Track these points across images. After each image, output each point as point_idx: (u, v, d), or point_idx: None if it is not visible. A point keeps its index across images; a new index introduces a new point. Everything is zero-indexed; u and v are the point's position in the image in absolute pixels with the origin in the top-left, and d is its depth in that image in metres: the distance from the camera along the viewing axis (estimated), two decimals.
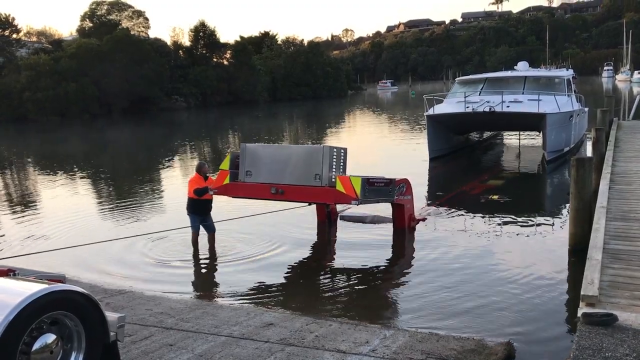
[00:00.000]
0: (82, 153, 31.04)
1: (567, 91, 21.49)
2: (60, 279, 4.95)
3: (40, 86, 59.08)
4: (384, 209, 11.32)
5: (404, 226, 10.70)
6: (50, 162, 27.19)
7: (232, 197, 10.19)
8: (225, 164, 9.89)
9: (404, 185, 10.45)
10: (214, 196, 10.06)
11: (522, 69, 25.27)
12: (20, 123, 55.82)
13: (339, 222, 11.64)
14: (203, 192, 9.75)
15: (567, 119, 19.84)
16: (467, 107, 19.36)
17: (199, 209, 9.96)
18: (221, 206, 11.26)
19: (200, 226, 10.10)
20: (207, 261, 9.71)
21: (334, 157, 9.17)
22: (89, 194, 17.77)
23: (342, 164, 9.31)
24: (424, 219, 11.38)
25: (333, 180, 9.02)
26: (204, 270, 9.38)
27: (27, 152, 33.29)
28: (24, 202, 16.46)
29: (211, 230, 10.17)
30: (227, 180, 9.75)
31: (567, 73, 24.10)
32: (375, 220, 11.55)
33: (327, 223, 11.48)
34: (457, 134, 22.48)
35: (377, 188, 9.39)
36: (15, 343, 3.73)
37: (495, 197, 13.23)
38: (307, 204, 10.27)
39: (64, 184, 19.70)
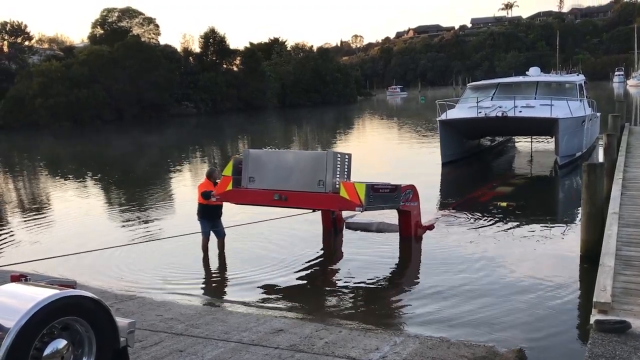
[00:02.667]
0: (94, 158, 31.23)
1: (579, 96, 21.48)
2: (71, 284, 4.97)
3: (52, 93, 59.58)
4: (391, 216, 11.22)
5: (410, 234, 10.54)
6: (61, 168, 27.37)
7: (235, 203, 10.05)
8: (228, 170, 9.73)
9: (411, 192, 10.30)
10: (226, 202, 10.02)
11: (534, 74, 25.30)
12: (33, 129, 56.28)
13: (345, 232, 11.49)
14: (209, 195, 9.71)
15: (580, 123, 19.83)
16: (480, 112, 19.42)
17: (209, 215, 9.96)
18: (230, 212, 11.25)
19: (211, 232, 10.10)
20: (217, 267, 9.72)
21: (338, 162, 8.99)
22: (100, 199, 17.87)
23: (346, 169, 9.13)
24: (431, 227, 11.17)
25: (337, 186, 8.85)
26: (213, 276, 9.38)
27: (41, 157, 33.53)
28: (35, 207, 16.57)
29: (221, 236, 10.17)
30: (229, 187, 9.60)
31: (578, 78, 24.09)
32: (382, 227, 11.38)
33: (332, 231, 11.32)
34: (470, 139, 22.51)
35: (382, 194, 9.24)
36: (27, 348, 3.75)
37: (504, 204, 13.09)
38: (311, 210, 10.09)
39: (75, 189, 19.83)
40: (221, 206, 10.04)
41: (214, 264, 9.79)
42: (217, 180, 10.11)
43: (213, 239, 10.15)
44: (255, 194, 9.46)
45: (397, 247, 10.47)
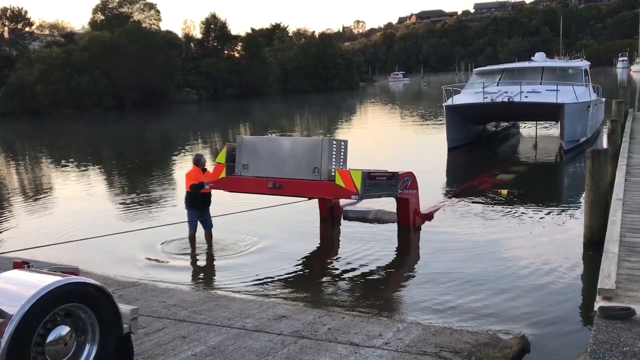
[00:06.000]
0: (95, 145, 31.21)
1: (584, 81, 21.46)
2: (74, 271, 4.96)
3: (53, 79, 59.27)
4: (390, 203, 10.98)
5: (408, 222, 10.32)
6: (63, 155, 27.34)
7: (229, 191, 9.85)
8: (222, 157, 9.53)
9: (409, 179, 10.09)
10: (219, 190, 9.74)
11: (540, 59, 25.26)
12: (34, 116, 56.14)
13: (342, 220, 11.30)
14: (199, 187, 9.37)
15: (585, 109, 19.87)
16: (486, 98, 19.50)
17: (197, 203, 9.56)
18: (223, 199, 11.05)
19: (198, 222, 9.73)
20: (216, 255, 9.61)
21: (334, 149, 8.76)
22: (102, 186, 17.87)
23: (342, 157, 8.90)
24: (430, 217, 10.97)
25: (332, 174, 8.65)
26: (212, 265, 9.32)
27: (41, 143, 33.51)
28: (37, 194, 16.58)
29: (208, 227, 9.73)
30: (223, 174, 9.40)
31: (583, 64, 24.07)
32: (379, 215, 11.17)
33: (330, 219, 11.11)
34: (475, 124, 22.54)
35: (378, 182, 9.03)
36: (30, 335, 3.74)
37: (505, 192, 13.00)
38: (306, 198, 9.80)
39: (76, 176, 19.81)
40: (210, 194, 9.72)
41: (211, 253, 9.66)
42: (205, 167, 9.86)
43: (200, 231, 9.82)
44: (249, 182, 9.26)
45: (396, 235, 10.37)
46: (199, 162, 9.76)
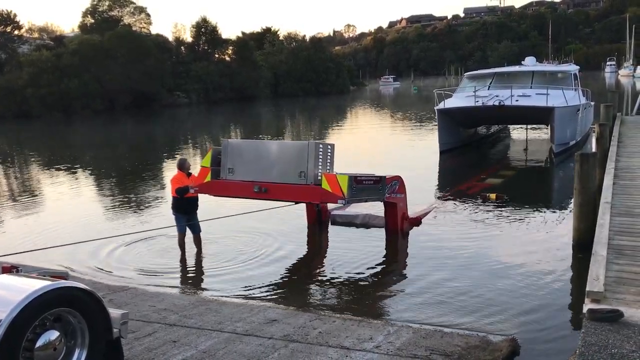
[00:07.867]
0: (83, 149, 31.02)
1: (574, 85, 21.71)
2: (63, 275, 4.94)
3: (43, 83, 58.99)
4: (378, 207, 10.96)
5: (396, 227, 10.28)
6: (52, 159, 27.17)
7: (214, 195, 9.70)
8: (207, 161, 9.43)
9: (397, 183, 10.04)
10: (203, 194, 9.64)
11: (530, 64, 25.50)
12: (25, 119, 55.77)
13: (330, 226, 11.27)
14: (185, 191, 9.32)
15: (575, 112, 20.11)
16: (477, 101, 19.66)
17: (184, 207, 9.54)
18: (210, 204, 10.97)
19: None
20: (204, 260, 9.54)
21: (320, 153, 8.64)
22: (92, 190, 17.76)
23: (329, 160, 8.80)
24: (418, 223, 10.95)
25: (319, 178, 8.55)
26: (201, 269, 9.28)
27: (30, 147, 33.26)
28: (26, 198, 16.45)
29: (197, 231, 9.74)
30: (208, 178, 9.30)
31: (573, 68, 24.32)
32: (367, 220, 11.12)
33: (317, 223, 11.06)
34: (467, 128, 22.69)
35: (365, 186, 8.95)
36: (19, 340, 3.72)
37: (493, 196, 13.01)
38: (293, 203, 9.64)
39: (66, 180, 19.69)
40: (197, 198, 9.66)
41: (200, 258, 9.62)
42: (190, 171, 9.82)
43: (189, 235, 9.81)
44: (235, 186, 9.13)
45: (384, 238, 10.35)
46: (183, 166, 9.73)
